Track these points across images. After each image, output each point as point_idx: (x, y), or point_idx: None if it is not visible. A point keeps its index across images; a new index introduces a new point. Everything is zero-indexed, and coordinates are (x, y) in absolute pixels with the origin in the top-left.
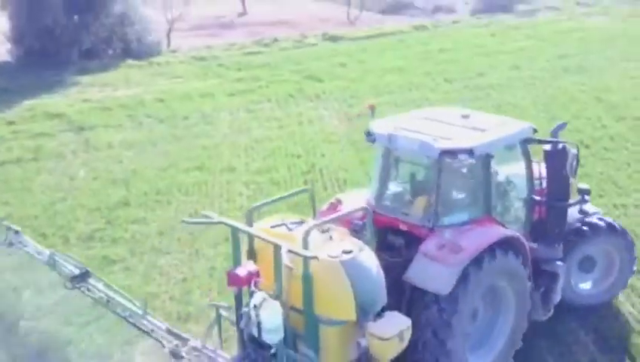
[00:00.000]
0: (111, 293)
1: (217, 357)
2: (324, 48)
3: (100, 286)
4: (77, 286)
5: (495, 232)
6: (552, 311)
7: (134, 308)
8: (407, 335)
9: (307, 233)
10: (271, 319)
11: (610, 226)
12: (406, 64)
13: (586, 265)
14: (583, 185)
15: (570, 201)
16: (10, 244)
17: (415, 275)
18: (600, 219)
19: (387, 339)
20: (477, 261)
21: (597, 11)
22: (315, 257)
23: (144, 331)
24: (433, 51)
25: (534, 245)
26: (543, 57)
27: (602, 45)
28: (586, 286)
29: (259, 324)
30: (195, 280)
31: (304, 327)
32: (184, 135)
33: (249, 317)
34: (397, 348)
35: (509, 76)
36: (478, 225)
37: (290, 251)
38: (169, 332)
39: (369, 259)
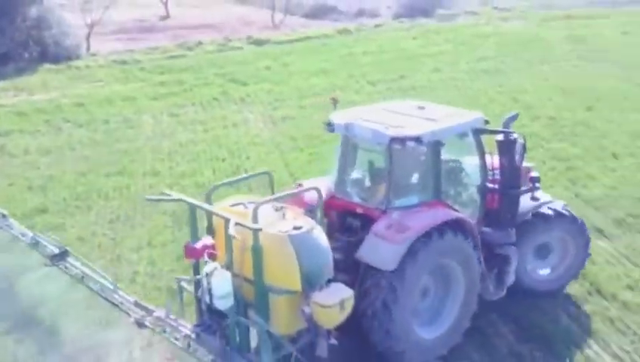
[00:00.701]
0: (86, 270)
1: (179, 325)
2: (248, 52)
3: (78, 264)
4: (56, 264)
5: (441, 214)
6: (504, 291)
7: (106, 283)
8: (349, 305)
9: (256, 208)
10: (221, 286)
11: (563, 214)
12: (330, 67)
13: (543, 252)
14: (534, 174)
15: (522, 189)
16: None
17: (365, 253)
18: (554, 207)
19: (328, 307)
20: (423, 240)
21: (513, 16)
22: (260, 229)
23: (114, 304)
24: (357, 54)
25: (488, 230)
26: (463, 60)
27: (518, 48)
28: (542, 272)
29: (210, 291)
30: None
31: (255, 296)
32: (105, 139)
33: (202, 286)
34: (338, 316)
35: (431, 78)
36: (427, 208)
37: (237, 224)
38: (136, 304)
39: (316, 236)
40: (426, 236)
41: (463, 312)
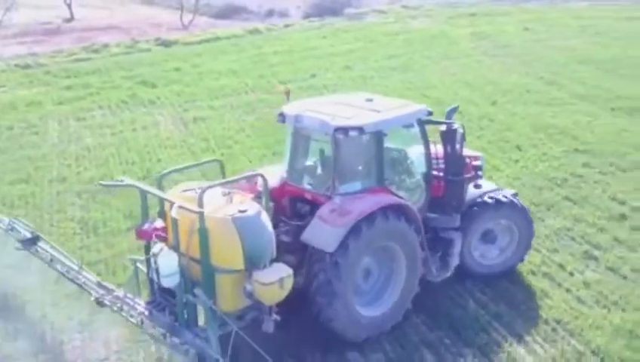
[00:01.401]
0: (55, 253)
1: (134, 303)
2: (157, 53)
3: (47, 247)
4: (27, 247)
5: (382, 199)
6: (449, 273)
7: (72, 265)
8: (288, 283)
9: (202, 193)
10: (167, 265)
11: (507, 202)
12: (241, 67)
13: (488, 238)
14: (477, 162)
15: (465, 176)
16: None
17: (309, 235)
18: (499, 195)
19: (267, 284)
20: (363, 223)
21: (420, 14)
22: (202, 212)
23: (78, 284)
24: (267, 54)
25: (434, 215)
26: (373, 58)
27: (425, 46)
28: (489, 256)
29: (157, 270)
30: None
31: (201, 275)
32: (8, 146)
33: (151, 265)
34: (278, 293)
35: (342, 76)
36: (370, 194)
37: (181, 207)
38: (98, 284)
39: (260, 219)
40: (366, 220)
41: (404, 293)
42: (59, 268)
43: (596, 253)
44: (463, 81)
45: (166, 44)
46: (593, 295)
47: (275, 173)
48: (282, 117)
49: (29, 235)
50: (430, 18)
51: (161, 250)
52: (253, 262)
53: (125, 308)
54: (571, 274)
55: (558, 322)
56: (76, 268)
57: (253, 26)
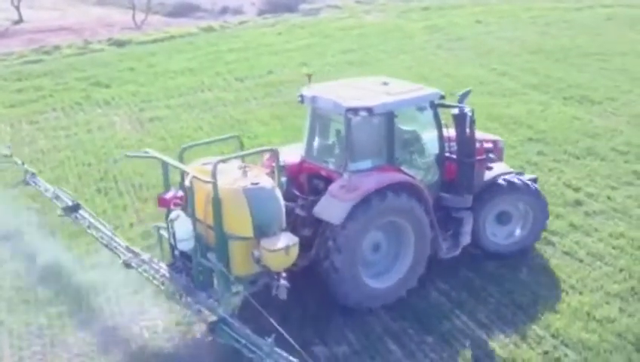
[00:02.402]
0: (92, 220)
1: (158, 266)
2: (110, 54)
3: (86, 215)
4: (68, 215)
5: (390, 177)
6: (458, 251)
7: (106, 231)
8: (294, 251)
9: (215, 165)
10: (183, 230)
11: (521, 185)
12: (196, 65)
13: (503, 219)
14: (488, 145)
15: (476, 158)
16: (27, 183)
17: (319, 209)
18: (512, 178)
19: (274, 251)
20: (371, 198)
21: (374, 9)
22: (214, 182)
23: (110, 248)
24: (223, 52)
25: (447, 195)
26: (329, 53)
27: (380, 40)
28: (502, 236)
29: (174, 235)
30: None
31: (215, 241)
32: None
33: (169, 230)
34: (284, 259)
35: (298, 72)
36: (379, 172)
37: (194, 177)
38: (127, 248)
39: (270, 192)
40: (374, 195)
41: (411, 269)
42: (94, 234)
43: (553, 238)
44: (419, 75)
45: (119, 44)
46: (551, 279)
47: (295, 151)
48: (301, 98)
49: (70, 203)
50: (384, 13)
51: (178, 216)
52: (262, 231)
53: (149, 270)
54: (530, 260)
55: (518, 307)
56: (109, 233)
57: (207, 24)
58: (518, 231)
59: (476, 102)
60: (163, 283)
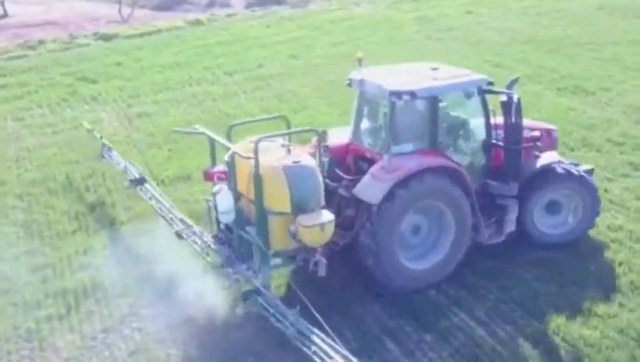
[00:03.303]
0: (155, 193)
1: (204, 237)
2: (96, 48)
3: (150, 188)
4: (134, 186)
5: (431, 160)
6: (502, 238)
7: (165, 203)
8: (329, 228)
9: (257, 143)
10: (224, 203)
11: (568, 174)
12: (184, 60)
13: (553, 208)
14: (535, 133)
15: (523, 146)
16: (102, 157)
17: (359, 189)
18: (563, 166)
19: (309, 227)
20: (411, 180)
21: (364, 0)
22: (250, 158)
23: (166, 219)
24: (211, 45)
25: (493, 182)
26: (318, 46)
27: (370, 31)
28: (550, 226)
29: (216, 207)
30: None
31: (255, 216)
32: None
33: (211, 203)
34: (319, 236)
35: (288, 65)
36: (421, 155)
37: (235, 153)
38: (181, 220)
39: (309, 170)
40: (413, 177)
41: (450, 254)
42: (154, 205)
43: None
44: None
45: (105, 38)
46: (550, 274)
47: (343, 133)
48: (349, 81)
49: (137, 176)
50: (373, 4)
51: (220, 189)
52: (299, 207)
53: (197, 240)
54: (528, 254)
55: (517, 303)
56: (168, 205)
57: (195, 18)
58: (567, 222)
59: None
60: (208, 254)
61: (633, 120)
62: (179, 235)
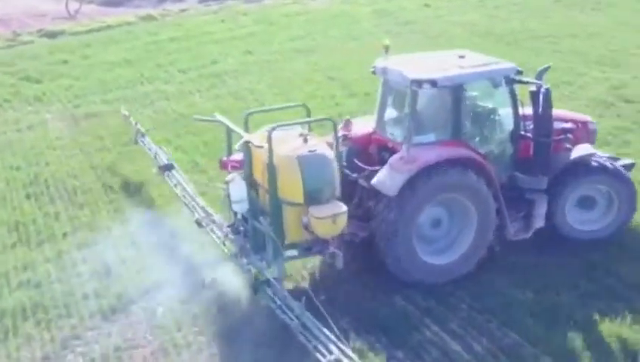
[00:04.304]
0: (180, 179)
1: (222, 226)
2: (41, 46)
3: (176, 174)
4: (162, 172)
5: (452, 152)
6: (529, 234)
7: (190, 191)
8: (342, 220)
9: (270, 131)
10: (237, 192)
11: (606, 168)
12: (135, 57)
13: (586, 203)
14: (567, 125)
15: (553, 138)
16: (136, 142)
17: (377, 180)
18: (597, 160)
19: (320, 218)
20: (430, 171)
21: None
22: (261, 146)
23: (187, 206)
24: (163, 41)
25: (521, 175)
26: (275, 41)
27: (327, 26)
28: (583, 222)
29: (229, 196)
30: None
31: (269, 205)
32: None
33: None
34: (331, 227)
35: (243, 61)
36: (442, 146)
37: (246, 141)
38: (202, 209)
39: (324, 160)
40: (433, 169)
41: (472, 249)
42: (178, 192)
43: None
44: (369, 61)
45: (51, 35)
46: (524, 279)
47: (368, 123)
48: (374, 69)
49: (166, 162)
50: None
51: (234, 178)
52: (313, 198)
53: (215, 229)
54: (497, 258)
55: (491, 312)
56: (192, 193)
57: (146, 13)
58: (601, 218)
59: None
60: (224, 243)
61: (597, 113)
62: (199, 224)
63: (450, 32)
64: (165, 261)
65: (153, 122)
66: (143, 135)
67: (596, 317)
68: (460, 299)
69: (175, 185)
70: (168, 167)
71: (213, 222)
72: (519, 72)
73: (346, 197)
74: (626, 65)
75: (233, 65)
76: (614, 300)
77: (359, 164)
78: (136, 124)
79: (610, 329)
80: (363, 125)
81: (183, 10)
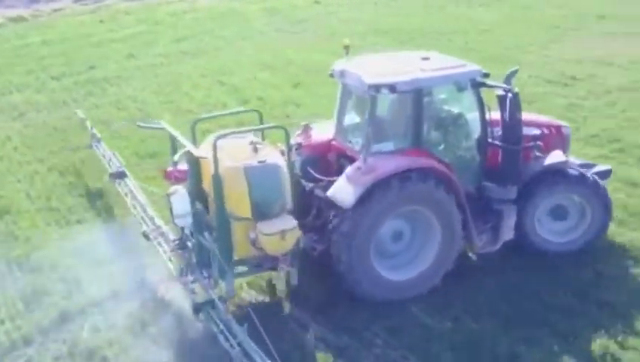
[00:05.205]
0: (132, 189)
1: (169, 240)
2: None
3: (129, 183)
4: (112, 180)
5: (413, 161)
6: (497, 246)
7: (142, 201)
8: (291, 236)
9: (215, 140)
10: (180, 206)
11: (576, 176)
12: (3, 62)
13: (559, 213)
14: (536, 131)
15: (522, 145)
16: (91, 147)
17: (333, 191)
18: (567, 167)
19: (268, 235)
20: (388, 183)
21: None
22: (205, 157)
23: (140, 216)
24: (34, 45)
25: (490, 184)
26: (160, 42)
27: (216, 25)
28: (554, 234)
29: (171, 210)
30: None
31: (216, 219)
32: None
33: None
34: (280, 244)
35: (125, 66)
36: (401, 155)
37: (187, 151)
38: (151, 219)
39: (274, 171)
40: (392, 180)
41: (436, 264)
42: (129, 201)
43: None
44: (261, 63)
45: None
46: (440, 305)
47: (328, 128)
48: (332, 72)
49: (115, 170)
50: None
51: (176, 191)
52: (261, 212)
53: (163, 243)
54: None
55: (408, 348)
56: (143, 203)
57: (16, 14)
58: (574, 229)
59: (327, 93)
60: (170, 259)
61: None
62: (146, 236)
63: (345, 29)
64: (101, 280)
65: (22, 137)
66: (98, 140)
67: (521, 347)
68: (375, 333)
69: (126, 195)
70: (120, 175)
71: (162, 235)
72: (486, 75)
73: (304, 208)
74: (521, 63)
75: (114, 70)
76: (537, 326)
77: (315, 173)
78: (92, 128)
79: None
80: (323, 131)
81: (57, 10)
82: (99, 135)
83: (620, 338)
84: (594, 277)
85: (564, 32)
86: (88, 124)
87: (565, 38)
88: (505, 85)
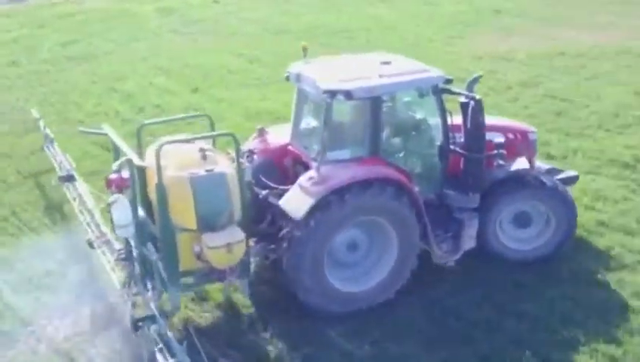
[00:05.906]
0: (81, 193)
1: (114, 249)
2: None
3: (79, 186)
4: (61, 183)
5: (369, 170)
6: (457, 256)
7: (89, 206)
8: (238, 249)
9: (159, 148)
10: (120, 216)
11: (537, 183)
12: None
13: (522, 221)
14: (499, 140)
15: (485, 153)
16: (44, 150)
17: (284, 201)
18: (528, 174)
19: (213, 248)
20: (342, 193)
21: None
22: (145, 166)
23: (86, 222)
24: None
25: (451, 192)
26: (44, 47)
27: (106, 27)
28: (518, 242)
29: (112, 221)
30: None
31: (159, 230)
32: None
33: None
34: (226, 257)
35: (6, 75)
36: (357, 164)
37: (129, 160)
38: (97, 226)
39: (222, 181)
40: (346, 190)
41: (392, 275)
42: (76, 207)
43: None
44: (157, 67)
45: None
46: (362, 329)
47: (285, 132)
48: (287, 75)
49: (65, 173)
50: None
51: (116, 200)
52: (207, 224)
53: (107, 252)
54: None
55: None
56: (90, 207)
57: None
58: (537, 237)
59: (227, 97)
60: (113, 270)
61: None
62: (90, 244)
63: (244, 30)
64: (40, 293)
65: None
66: (51, 141)
67: None
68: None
69: (74, 199)
70: (69, 178)
71: (107, 243)
72: (448, 81)
73: (259, 215)
74: (424, 60)
75: None
76: (460, 344)
77: (268, 181)
78: (45, 128)
79: None
80: (279, 135)
81: None
82: (52, 135)
83: (542, 351)
84: (513, 288)
85: (463, 29)
86: (42, 123)
87: (465, 34)
88: (468, 93)
